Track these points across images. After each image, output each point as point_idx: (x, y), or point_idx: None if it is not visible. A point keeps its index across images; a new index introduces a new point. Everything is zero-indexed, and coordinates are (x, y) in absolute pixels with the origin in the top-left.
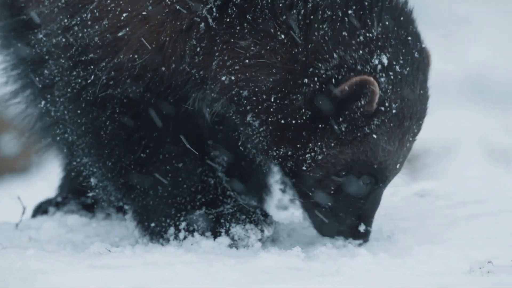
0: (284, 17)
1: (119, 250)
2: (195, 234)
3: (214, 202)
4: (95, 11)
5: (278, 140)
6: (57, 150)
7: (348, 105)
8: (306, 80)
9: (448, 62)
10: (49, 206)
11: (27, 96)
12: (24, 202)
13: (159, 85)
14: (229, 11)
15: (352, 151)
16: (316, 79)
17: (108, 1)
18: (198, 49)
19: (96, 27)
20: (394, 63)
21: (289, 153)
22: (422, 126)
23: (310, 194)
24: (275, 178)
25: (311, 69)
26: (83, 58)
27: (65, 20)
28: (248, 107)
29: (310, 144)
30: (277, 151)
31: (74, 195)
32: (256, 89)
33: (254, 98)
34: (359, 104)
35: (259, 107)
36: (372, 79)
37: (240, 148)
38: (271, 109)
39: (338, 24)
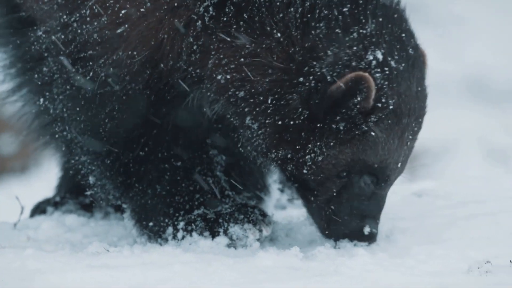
0: (281, 15)
1: (117, 250)
2: (193, 233)
3: (212, 201)
4: (94, 7)
5: (277, 143)
6: (55, 149)
7: (345, 102)
8: (301, 79)
9: (446, 61)
10: (47, 206)
11: (24, 94)
12: (22, 201)
13: (158, 82)
14: (226, 9)
15: (352, 151)
16: (311, 77)
17: None
18: (195, 47)
19: (95, 23)
20: (389, 58)
21: (289, 155)
22: (422, 125)
23: (313, 198)
24: (274, 178)
25: (306, 68)
26: (82, 55)
27: (64, 17)
28: (246, 109)
29: (310, 145)
30: (276, 154)
31: (72, 194)
32: (253, 90)
33: (251, 100)
34: (356, 101)
35: (257, 109)
36: (367, 74)
37: (240, 148)
38: (268, 111)
39: (333, 22)
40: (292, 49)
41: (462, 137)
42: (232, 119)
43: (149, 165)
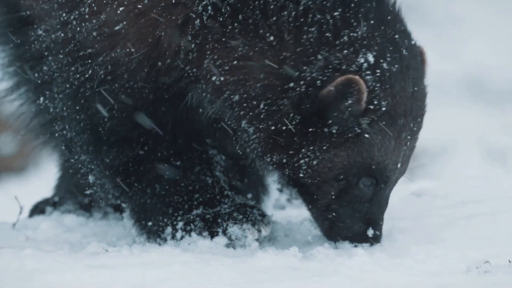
0: (274, 18)
1: (116, 250)
2: (192, 233)
3: (211, 201)
4: (93, 5)
5: (271, 148)
6: (53, 148)
7: (336, 106)
8: (292, 85)
9: (444, 61)
10: (46, 206)
11: (23, 93)
12: (21, 201)
13: (156, 80)
14: (223, 10)
15: (347, 153)
16: (302, 82)
17: None
18: (192, 46)
19: (94, 21)
20: (381, 60)
21: (284, 160)
22: (421, 124)
23: (314, 202)
24: (273, 178)
25: (297, 73)
26: (81, 53)
27: (64, 15)
28: (241, 113)
29: (303, 150)
30: (271, 158)
31: (71, 194)
32: (245, 95)
33: (245, 105)
34: (347, 104)
35: (251, 113)
36: (357, 77)
37: (238, 149)
38: (262, 116)
39: (324, 26)
40: (284, 53)
41: (461, 137)
42: (229, 122)
43: (149, 164)
